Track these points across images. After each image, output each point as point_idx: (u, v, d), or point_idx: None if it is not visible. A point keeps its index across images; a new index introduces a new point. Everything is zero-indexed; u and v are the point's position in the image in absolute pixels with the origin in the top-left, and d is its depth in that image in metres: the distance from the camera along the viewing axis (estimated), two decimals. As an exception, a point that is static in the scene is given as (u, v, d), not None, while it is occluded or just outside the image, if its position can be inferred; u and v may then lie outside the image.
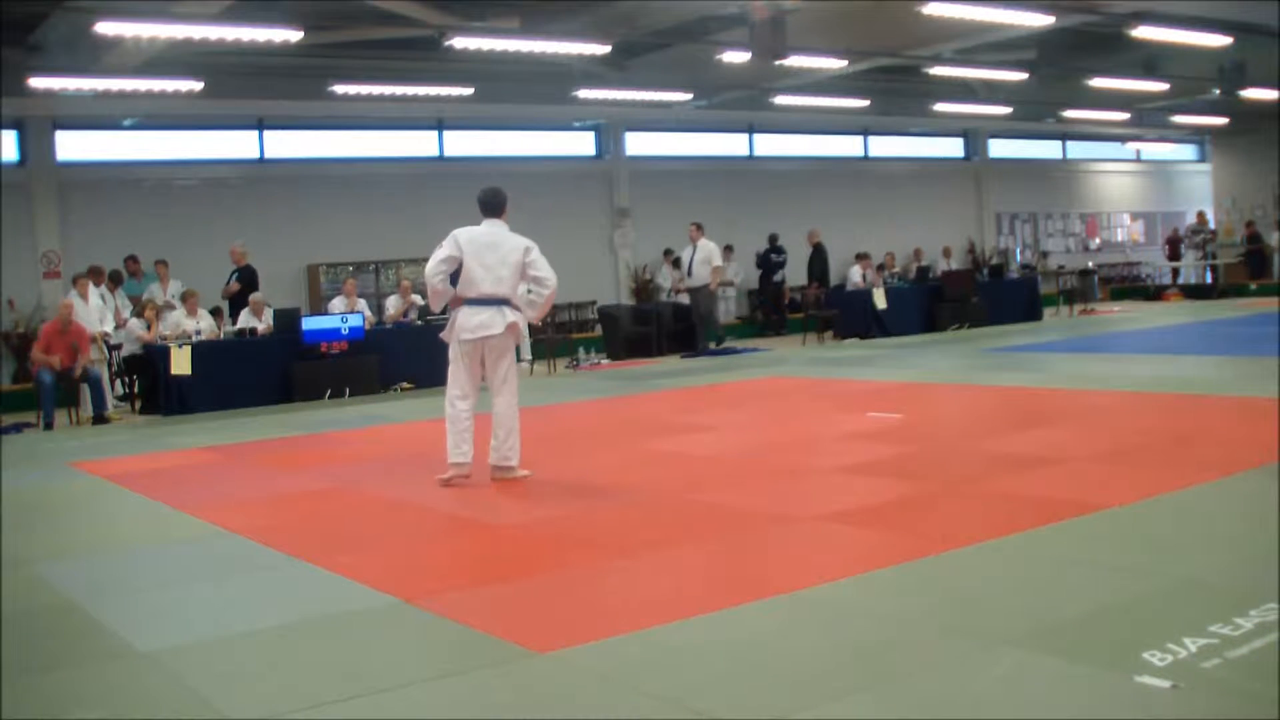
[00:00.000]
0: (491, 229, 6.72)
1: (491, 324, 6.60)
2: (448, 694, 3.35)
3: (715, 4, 13.89)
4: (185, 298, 13.11)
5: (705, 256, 15.86)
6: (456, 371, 6.73)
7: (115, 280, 13.75)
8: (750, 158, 21.26)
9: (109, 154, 15.71)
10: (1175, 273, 24.07)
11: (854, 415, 8.81)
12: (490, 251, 6.62)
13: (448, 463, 6.69)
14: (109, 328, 12.77)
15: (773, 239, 19.21)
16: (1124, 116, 22.90)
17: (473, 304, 6.63)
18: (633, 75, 17.14)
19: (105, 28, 11.00)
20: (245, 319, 13.23)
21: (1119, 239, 26.64)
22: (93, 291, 12.79)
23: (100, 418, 11.60)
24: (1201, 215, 24.67)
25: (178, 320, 12.85)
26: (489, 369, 6.74)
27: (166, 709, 3.38)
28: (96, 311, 12.64)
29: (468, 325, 6.63)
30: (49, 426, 11.28)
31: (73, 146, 15.36)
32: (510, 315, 6.64)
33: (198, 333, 12.64)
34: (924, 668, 3.32)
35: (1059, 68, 18.75)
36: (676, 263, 19.72)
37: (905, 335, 16.64)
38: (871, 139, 22.81)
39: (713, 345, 16.15)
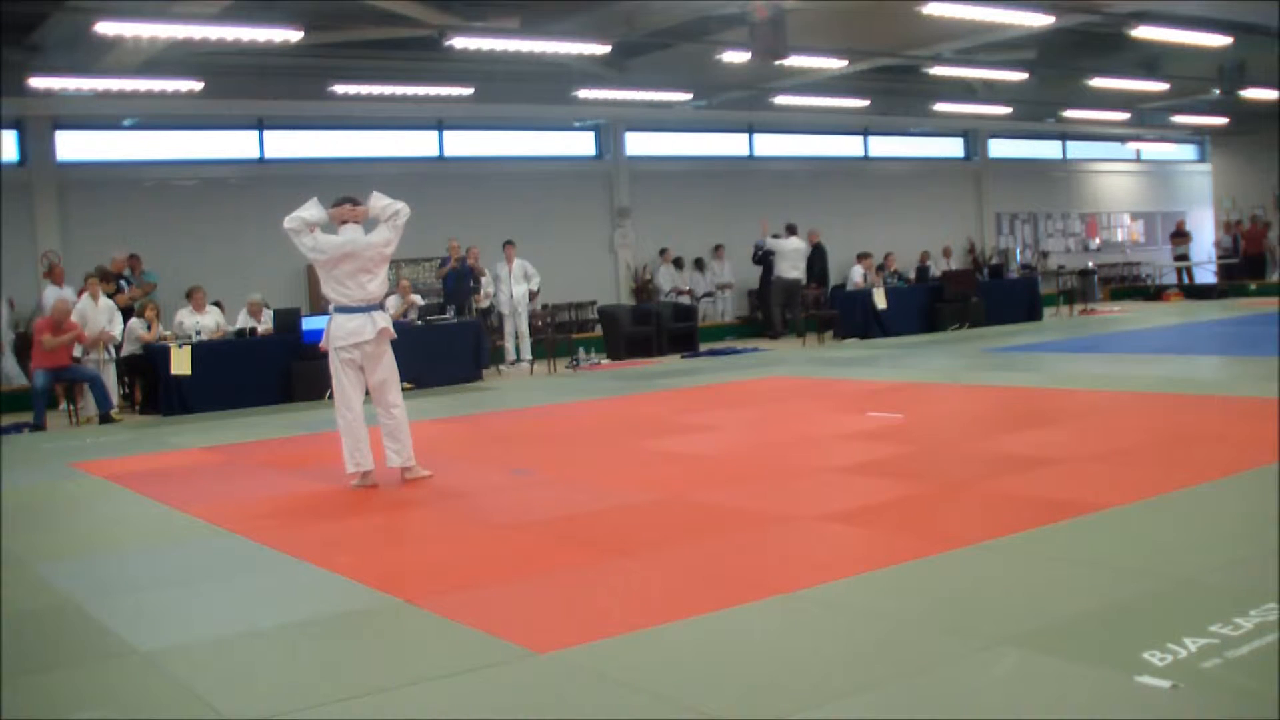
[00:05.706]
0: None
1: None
2: (448, 694, 3.35)
3: (715, 4, 13.89)
4: (190, 294, 13.07)
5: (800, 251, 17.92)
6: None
7: (104, 278, 13.07)
8: (750, 158, 21.25)
9: (109, 154, 15.69)
10: (1185, 272, 24.21)
11: (854, 415, 8.81)
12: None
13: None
14: (116, 330, 12.54)
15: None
16: (1124, 116, 22.91)
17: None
18: (633, 75, 17.15)
19: (105, 28, 10.99)
20: (244, 319, 13.22)
21: (1119, 239, 26.63)
22: (62, 291, 12.45)
23: (106, 417, 11.60)
24: (1180, 223, 24.89)
25: (182, 318, 12.82)
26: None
27: (166, 709, 3.38)
28: (106, 312, 12.44)
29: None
30: (37, 428, 11.26)
31: (73, 146, 15.35)
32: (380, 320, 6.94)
33: (198, 332, 12.62)
34: (924, 668, 3.32)
35: (1059, 68, 18.75)
36: (700, 263, 19.78)
37: (905, 335, 16.64)
38: (871, 139, 22.79)
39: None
